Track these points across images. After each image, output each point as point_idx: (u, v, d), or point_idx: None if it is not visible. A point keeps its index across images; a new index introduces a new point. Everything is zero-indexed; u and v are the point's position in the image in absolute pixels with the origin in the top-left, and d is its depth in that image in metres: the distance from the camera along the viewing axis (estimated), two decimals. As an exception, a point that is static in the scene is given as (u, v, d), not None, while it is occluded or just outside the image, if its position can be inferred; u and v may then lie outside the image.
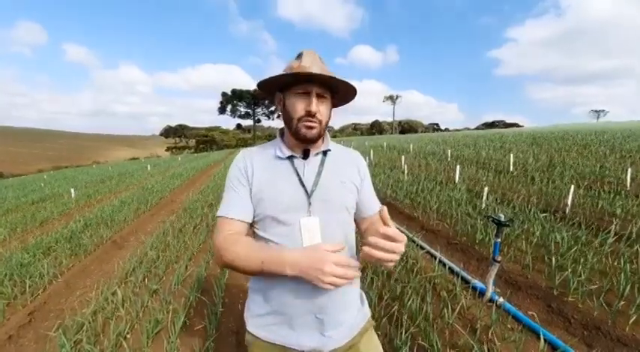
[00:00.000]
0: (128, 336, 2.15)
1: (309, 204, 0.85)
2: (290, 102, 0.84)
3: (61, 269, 3.34)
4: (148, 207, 6.25)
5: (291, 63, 0.85)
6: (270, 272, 0.77)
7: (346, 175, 0.93)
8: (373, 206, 0.99)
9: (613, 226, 3.23)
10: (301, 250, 0.77)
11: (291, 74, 0.79)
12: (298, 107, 0.82)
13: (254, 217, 0.88)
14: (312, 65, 0.81)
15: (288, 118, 0.86)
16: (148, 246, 3.78)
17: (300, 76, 0.80)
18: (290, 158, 0.89)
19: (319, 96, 0.83)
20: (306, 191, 0.85)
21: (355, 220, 0.99)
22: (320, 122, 0.84)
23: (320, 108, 0.83)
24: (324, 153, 0.92)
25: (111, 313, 2.39)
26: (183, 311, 2.30)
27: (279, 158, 0.89)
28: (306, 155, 0.89)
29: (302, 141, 0.86)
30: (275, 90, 0.90)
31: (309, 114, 0.81)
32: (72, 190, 7.79)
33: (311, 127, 0.83)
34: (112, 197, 7.80)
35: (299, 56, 0.85)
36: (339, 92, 0.89)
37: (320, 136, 0.86)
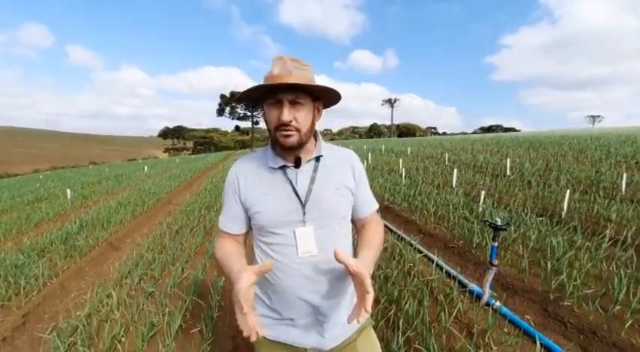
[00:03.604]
0: (123, 339, 2.13)
1: (304, 213, 0.85)
2: (267, 113, 0.84)
3: (56, 271, 3.31)
4: (144, 208, 6.22)
5: (267, 72, 0.83)
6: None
7: (340, 181, 0.91)
8: (368, 207, 0.99)
9: (608, 231, 3.25)
10: (237, 275, 0.74)
11: (254, 87, 0.79)
12: (273, 117, 0.82)
13: (252, 226, 0.93)
14: (280, 71, 0.79)
15: (268, 129, 0.86)
16: (144, 248, 3.75)
17: (261, 88, 0.79)
18: (282, 168, 0.88)
19: (293, 102, 0.80)
20: (300, 201, 0.85)
21: (353, 223, 1.00)
22: (298, 129, 0.81)
23: (296, 115, 0.80)
24: (317, 159, 0.91)
25: (106, 316, 2.37)
26: (179, 314, 2.29)
27: (272, 168, 0.88)
28: (298, 163, 0.87)
29: (284, 150, 0.85)
30: (259, 102, 0.89)
31: (282, 123, 0.80)
32: (68, 191, 7.74)
33: (288, 136, 0.81)
34: (108, 198, 7.75)
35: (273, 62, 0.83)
36: (319, 95, 0.86)
37: (301, 143, 0.84)
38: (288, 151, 0.85)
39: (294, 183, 0.86)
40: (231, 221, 0.93)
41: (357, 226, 1.00)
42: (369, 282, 0.70)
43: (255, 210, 0.87)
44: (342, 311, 0.90)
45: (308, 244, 0.84)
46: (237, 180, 0.90)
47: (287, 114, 0.79)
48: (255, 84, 0.79)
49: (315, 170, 0.89)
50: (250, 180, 0.89)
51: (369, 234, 0.95)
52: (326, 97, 0.88)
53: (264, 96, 0.84)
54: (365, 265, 0.75)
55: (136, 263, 3.34)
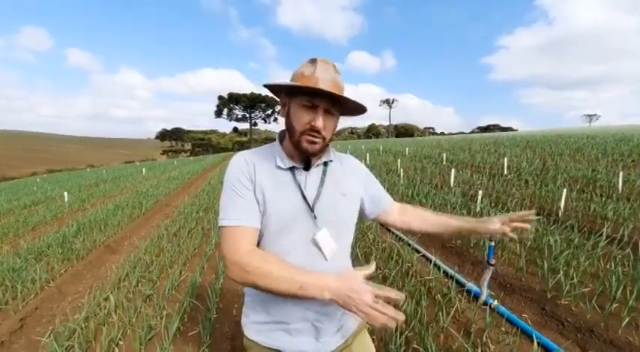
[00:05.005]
0: (121, 342, 2.12)
1: (314, 217, 0.82)
2: (295, 112, 0.79)
3: (53, 275, 3.30)
4: (142, 211, 6.21)
5: (302, 68, 0.79)
6: (305, 296, 0.71)
7: (346, 187, 0.90)
8: (388, 199, 1.03)
9: (605, 229, 3.27)
10: (338, 276, 0.71)
11: (299, 86, 0.75)
12: (303, 119, 0.77)
13: None
14: (325, 76, 0.76)
15: (290, 127, 0.80)
16: (142, 251, 3.74)
17: (311, 90, 0.74)
18: (291, 169, 0.84)
19: (327, 111, 0.77)
20: (308, 205, 0.82)
21: (381, 218, 1.03)
22: (324, 138, 0.79)
23: (326, 124, 0.78)
24: (325, 163, 0.88)
25: (103, 319, 2.36)
26: (177, 316, 2.28)
27: (280, 168, 0.83)
28: (307, 166, 0.85)
29: (303, 154, 0.82)
30: (281, 92, 0.85)
31: (313, 129, 0.77)
32: (65, 194, 7.71)
33: (314, 142, 0.78)
34: (106, 201, 7.72)
35: (312, 62, 0.78)
36: (348, 108, 0.84)
37: (322, 150, 0.83)
38: (307, 156, 0.83)
39: (302, 187, 0.83)
40: (248, 212, 0.78)
41: (396, 222, 1.04)
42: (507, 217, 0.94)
43: (263, 208, 0.80)
44: (338, 315, 0.89)
45: (330, 247, 0.83)
46: (249, 169, 0.81)
47: (321, 122, 0.77)
48: (257, 84, 0.81)
49: (324, 174, 0.87)
50: (259, 173, 0.82)
51: (421, 211, 1.06)
52: (352, 112, 0.87)
53: (294, 91, 0.79)
54: (490, 219, 0.98)
55: (133, 266, 3.33)
